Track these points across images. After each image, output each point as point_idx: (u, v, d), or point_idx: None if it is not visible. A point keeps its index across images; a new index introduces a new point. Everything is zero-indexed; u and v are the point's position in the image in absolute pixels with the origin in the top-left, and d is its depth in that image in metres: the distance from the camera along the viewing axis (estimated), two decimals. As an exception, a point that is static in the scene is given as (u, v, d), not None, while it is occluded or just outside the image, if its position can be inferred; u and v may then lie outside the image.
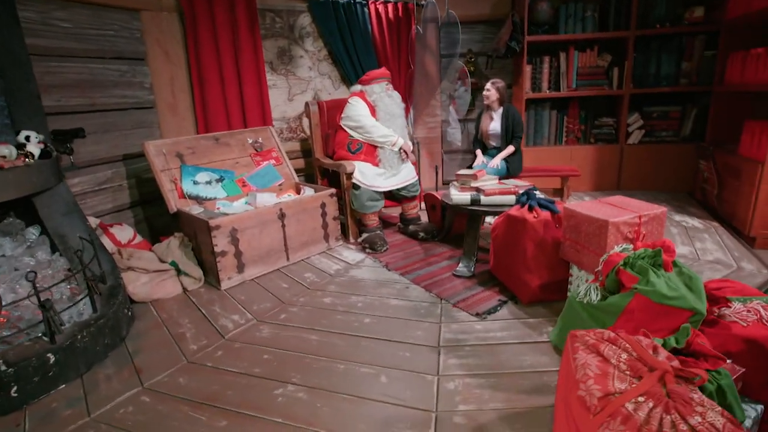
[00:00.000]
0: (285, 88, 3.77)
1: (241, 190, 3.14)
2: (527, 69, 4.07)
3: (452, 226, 3.14)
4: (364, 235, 3.13)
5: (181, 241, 2.72)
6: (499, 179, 3.03)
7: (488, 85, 3.42)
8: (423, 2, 4.03)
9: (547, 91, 4.15)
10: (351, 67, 3.90)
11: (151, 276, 2.49)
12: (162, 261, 2.61)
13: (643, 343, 1.10)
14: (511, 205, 2.56)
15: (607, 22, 3.94)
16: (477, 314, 2.15)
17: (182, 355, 1.96)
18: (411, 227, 3.27)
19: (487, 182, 2.79)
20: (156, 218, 3.19)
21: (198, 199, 2.93)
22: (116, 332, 2.04)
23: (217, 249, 2.51)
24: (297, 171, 3.83)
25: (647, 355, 1.10)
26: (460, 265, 2.65)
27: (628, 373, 1.07)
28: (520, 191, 2.62)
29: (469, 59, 4.36)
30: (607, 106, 4.32)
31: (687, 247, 2.90)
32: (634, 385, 1.02)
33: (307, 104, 3.47)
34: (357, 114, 3.09)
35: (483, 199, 2.59)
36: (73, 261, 2.12)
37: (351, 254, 3.03)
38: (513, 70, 4.39)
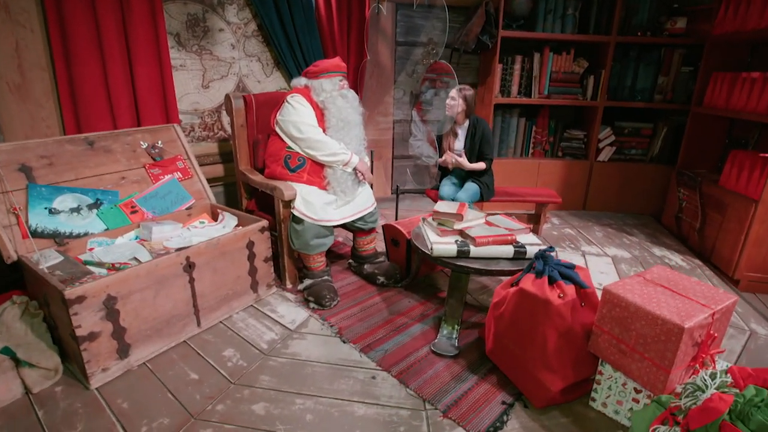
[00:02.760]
0: (198, 70, 2.80)
1: (129, 220, 2.19)
2: (498, 68, 3.48)
3: (420, 269, 2.49)
4: (307, 282, 2.36)
5: (24, 309, 1.76)
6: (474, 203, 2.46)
7: (453, 93, 2.72)
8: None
9: (518, 96, 3.61)
10: (288, 49, 3.01)
11: (-39, 381, 1.53)
12: (-14, 348, 1.64)
13: None
14: (509, 259, 1.97)
15: (587, 24, 3.47)
16: (479, 433, 1.53)
17: None
18: (367, 267, 2.55)
19: (472, 222, 2.17)
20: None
21: (57, 238, 1.95)
22: None
23: (80, 332, 1.60)
24: (215, 180, 2.92)
25: None
26: (441, 335, 2.01)
27: None
28: (517, 236, 2.05)
29: (430, 50, 3.67)
30: (576, 116, 3.92)
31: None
32: None
33: (228, 97, 2.55)
34: (299, 121, 2.26)
35: (473, 250, 1.96)
36: None
37: (289, 310, 2.26)
38: (479, 67, 3.79)
